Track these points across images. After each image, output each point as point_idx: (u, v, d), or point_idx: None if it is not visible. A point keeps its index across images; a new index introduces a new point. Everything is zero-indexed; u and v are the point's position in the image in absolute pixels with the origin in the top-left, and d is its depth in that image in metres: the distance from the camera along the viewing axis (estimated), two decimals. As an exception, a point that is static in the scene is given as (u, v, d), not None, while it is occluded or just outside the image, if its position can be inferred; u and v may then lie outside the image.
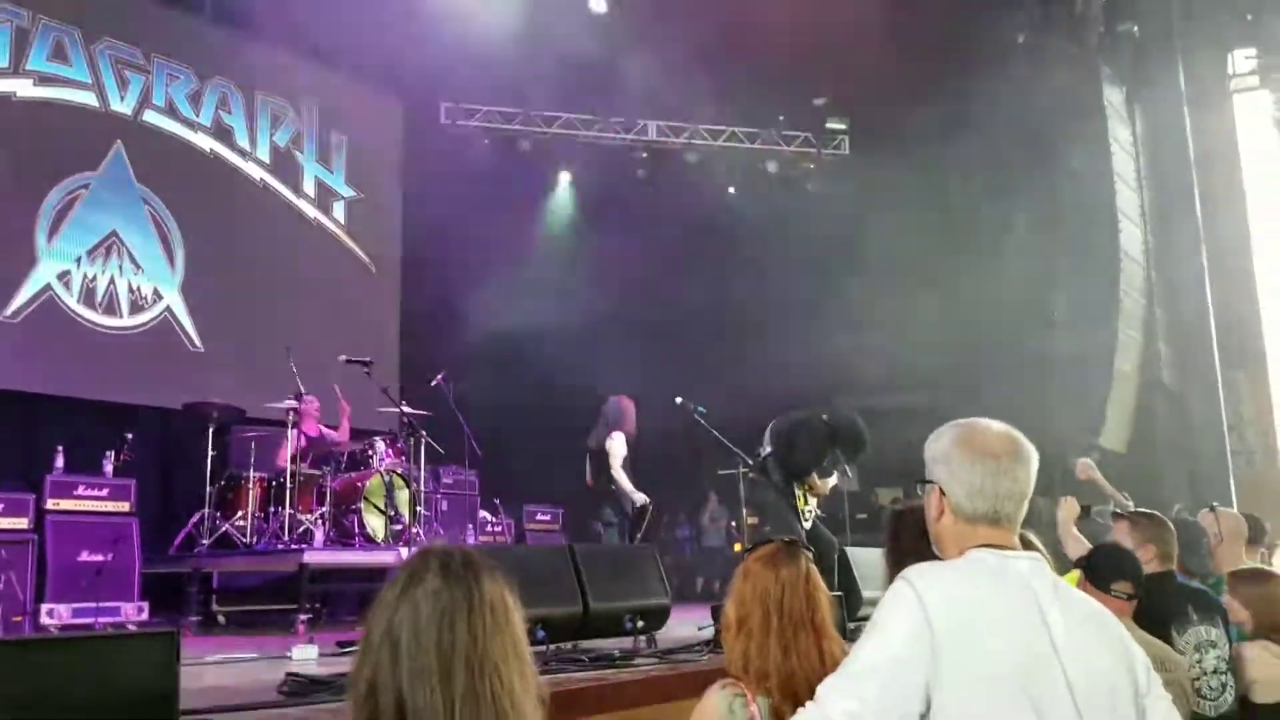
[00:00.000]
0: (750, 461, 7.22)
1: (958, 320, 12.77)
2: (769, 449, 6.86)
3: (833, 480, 7.14)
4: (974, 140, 12.22)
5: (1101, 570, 3.59)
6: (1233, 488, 12.88)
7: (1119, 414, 12.72)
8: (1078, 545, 4.38)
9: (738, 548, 12.90)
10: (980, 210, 11.55)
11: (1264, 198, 14.09)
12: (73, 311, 9.85)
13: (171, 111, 10.97)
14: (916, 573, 2.11)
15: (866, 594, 5.97)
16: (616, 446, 8.61)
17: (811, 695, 2.09)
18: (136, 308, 10.37)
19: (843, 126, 15.44)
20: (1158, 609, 3.78)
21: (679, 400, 7.54)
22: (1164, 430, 13.27)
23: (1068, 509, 4.57)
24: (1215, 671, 3.95)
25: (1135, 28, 13.69)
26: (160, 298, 10.56)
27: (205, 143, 11.27)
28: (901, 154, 13.17)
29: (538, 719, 1.66)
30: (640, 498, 8.56)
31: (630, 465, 8.80)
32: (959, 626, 2.00)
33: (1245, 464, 13.47)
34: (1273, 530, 7.99)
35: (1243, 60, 14.43)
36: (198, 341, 10.76)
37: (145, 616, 7.50)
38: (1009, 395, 11.06)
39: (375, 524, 8.64)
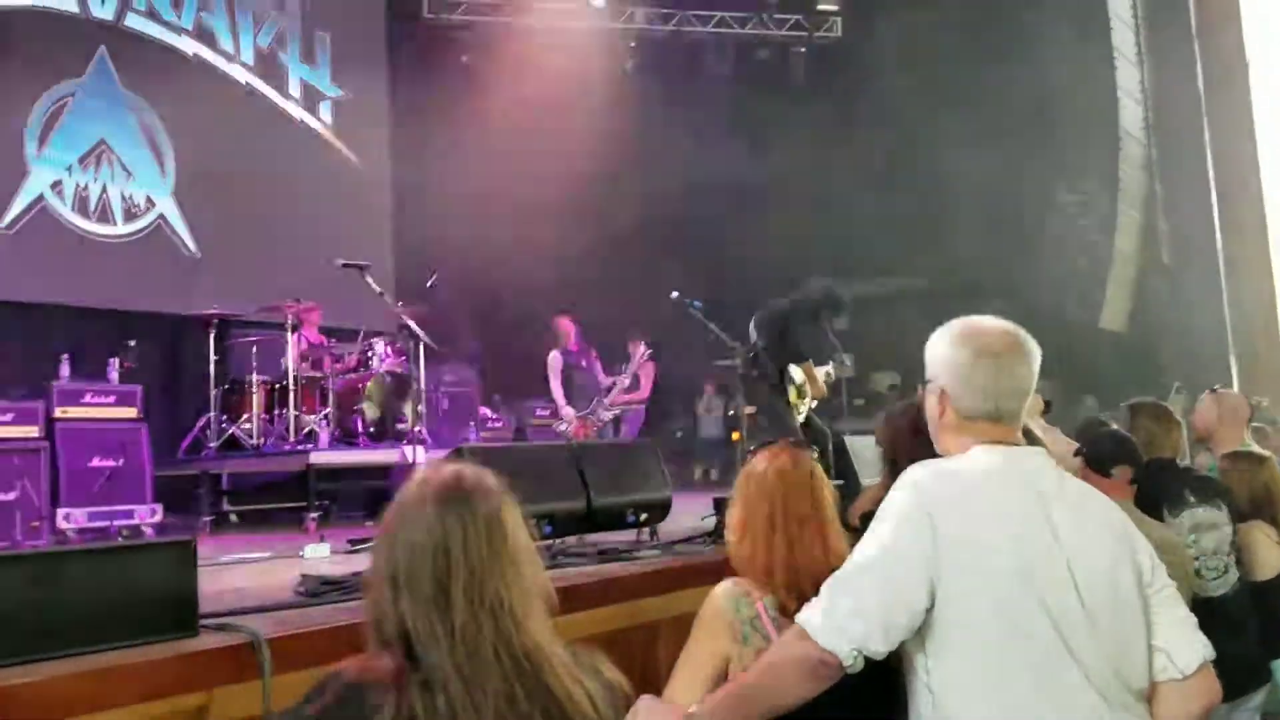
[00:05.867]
0: (747, 353, 7.25)
1: (956, 204, 12.69)
2: (760, 342, 6.95)
3: (827, 371, 7.23)
4: (968, 19, 12.00)
5: (1102, 457, 3.63)
6: (1233, 366, 12.91)
7: (1119, 293, 12.74)
8: (1049, 436, 4.30)
9: (735, 437, 12.98)
10: (977, 90, 11.38)
11: (1268, 67, 13.83)
12: (67, 221, 9.79)
13: (152, 15, 10.72)
14: (920, 470, 2.14)
15: (865, 481, 6.00)
16: (550, 363, 9.84)
17: (816, 591, 2.12)
18: (130, 215, 10.30)
19: (834, 8, 15.10)
20: (1152, 492, 3.83)
21: (674, 295, 7.53)
22: (1163, 309, 13.26)
23: (1031, 406, 4.50)
24: (1216, 552, 3.98)
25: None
26: (153, 204, 10.49)
27: (189, 46, 11.05)
28: (895, 35, 12.93)
29: (544, 624, 1.68)
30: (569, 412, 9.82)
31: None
32: (962, 522, 2.02)
33: (1245, 341, 13.48)
34: (1270, 406, 8.06)
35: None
36: (193, 248, 10.70)
37: (159, 518, 7.58)
38: (1010, 279, 11.07)
39: (378, 424, 8.78)
